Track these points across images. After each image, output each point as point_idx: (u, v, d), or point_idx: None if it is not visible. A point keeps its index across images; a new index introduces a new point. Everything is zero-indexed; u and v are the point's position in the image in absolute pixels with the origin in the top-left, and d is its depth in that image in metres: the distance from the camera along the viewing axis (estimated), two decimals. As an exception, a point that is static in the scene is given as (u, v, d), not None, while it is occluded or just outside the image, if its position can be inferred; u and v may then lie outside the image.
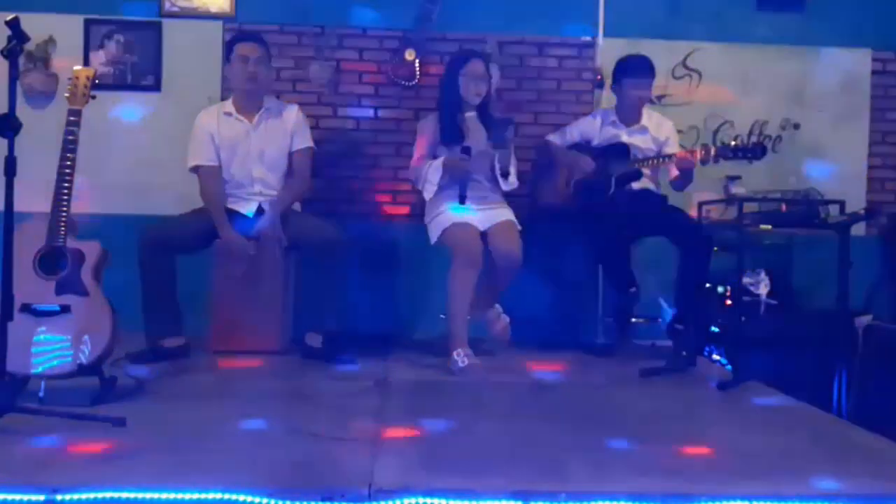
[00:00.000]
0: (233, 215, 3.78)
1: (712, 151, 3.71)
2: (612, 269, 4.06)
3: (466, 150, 3.65)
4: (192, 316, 3.74)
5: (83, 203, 3.12)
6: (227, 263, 3.76)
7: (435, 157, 3.78)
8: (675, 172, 3.95)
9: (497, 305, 3.91)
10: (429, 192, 3.74)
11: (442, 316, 3.81)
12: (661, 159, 3.94)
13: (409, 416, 2.78)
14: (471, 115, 3.82)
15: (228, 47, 3.87)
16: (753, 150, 3.68)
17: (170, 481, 1.96)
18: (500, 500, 1.95)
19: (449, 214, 3.69)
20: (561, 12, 4.62)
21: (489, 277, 3.71)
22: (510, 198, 3.96)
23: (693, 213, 4.36)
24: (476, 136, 3.78)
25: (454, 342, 3.57)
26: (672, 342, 3.83)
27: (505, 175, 3.76)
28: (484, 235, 3.70)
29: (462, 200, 3.64)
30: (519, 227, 3.80)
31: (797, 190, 4.61)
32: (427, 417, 2.75)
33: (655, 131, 4.09)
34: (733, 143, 3.78)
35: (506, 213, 3.80)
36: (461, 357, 3.50)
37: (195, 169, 3.82)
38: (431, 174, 3.71)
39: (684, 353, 3.55)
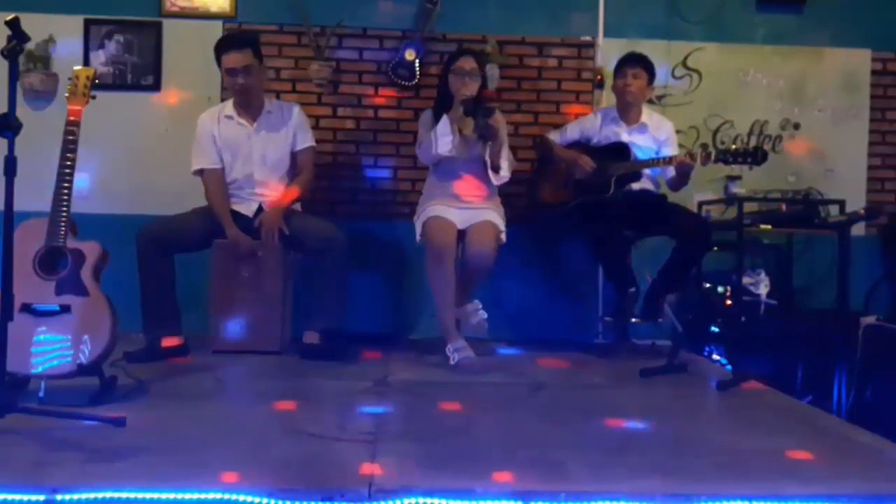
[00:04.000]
0: (233, 215, 3.78)
1: (712, 156, 3.71)
2: (611, 269, 4.06)
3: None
4: (192, 315, 3.75)
5: (83, 203, 3.11)
6: (231, 264, 3.75)
7: None
8: (672, 173, 3.95)
9: (475, 301, 3.88)
10: (444, 145, 3.62)
11: (433, 314, 3.79)
12: (661, 161, 3.94)
13: (409, 415, 2.78)
14: (461, 111, 3.69)
15: (216, 53, 3.78)
16: (754, 156, 3.66)
17: (170, 481, 1.96)
18: (500, 500, 1.95)
19: (430, 209, 3.67)
20: (561, 12, 4.62)
21: (461, 274, 3.69)
22: (508, 197, 3.97)
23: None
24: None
25: (446, 337, 3.60)
26: (672, 342, 3.84)
27: (496, 169, 3.72)
28: (462, 234, 3.69)
29: (478, 121, 3.61)
30: (501, 229, 3.75)
31: (797, 190, 4.62)
32: (426, 417, 2.76)
33: (655, 131, 4.08)
34: (734, 146, 3.77)
35: (487, 214, 3.74)
36: (452, 353, 3.55)
37: (199, 172, 3.82)
38: (441, 128, 3.62)
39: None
